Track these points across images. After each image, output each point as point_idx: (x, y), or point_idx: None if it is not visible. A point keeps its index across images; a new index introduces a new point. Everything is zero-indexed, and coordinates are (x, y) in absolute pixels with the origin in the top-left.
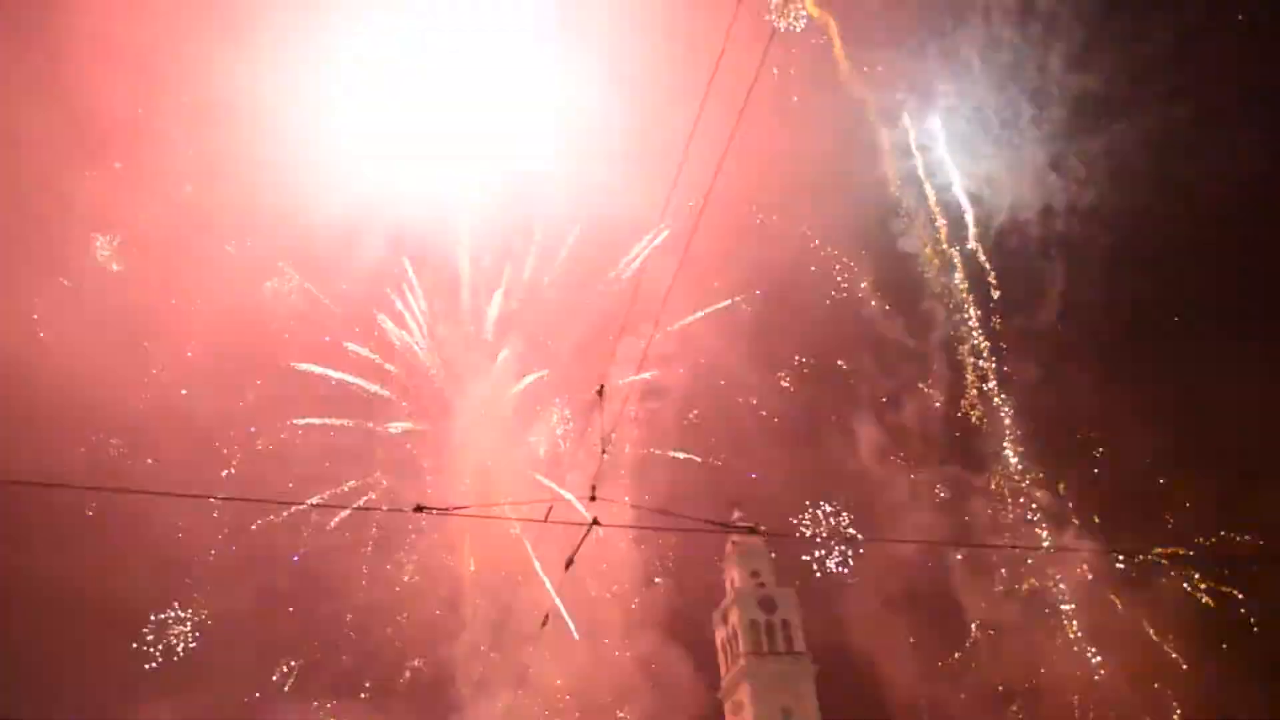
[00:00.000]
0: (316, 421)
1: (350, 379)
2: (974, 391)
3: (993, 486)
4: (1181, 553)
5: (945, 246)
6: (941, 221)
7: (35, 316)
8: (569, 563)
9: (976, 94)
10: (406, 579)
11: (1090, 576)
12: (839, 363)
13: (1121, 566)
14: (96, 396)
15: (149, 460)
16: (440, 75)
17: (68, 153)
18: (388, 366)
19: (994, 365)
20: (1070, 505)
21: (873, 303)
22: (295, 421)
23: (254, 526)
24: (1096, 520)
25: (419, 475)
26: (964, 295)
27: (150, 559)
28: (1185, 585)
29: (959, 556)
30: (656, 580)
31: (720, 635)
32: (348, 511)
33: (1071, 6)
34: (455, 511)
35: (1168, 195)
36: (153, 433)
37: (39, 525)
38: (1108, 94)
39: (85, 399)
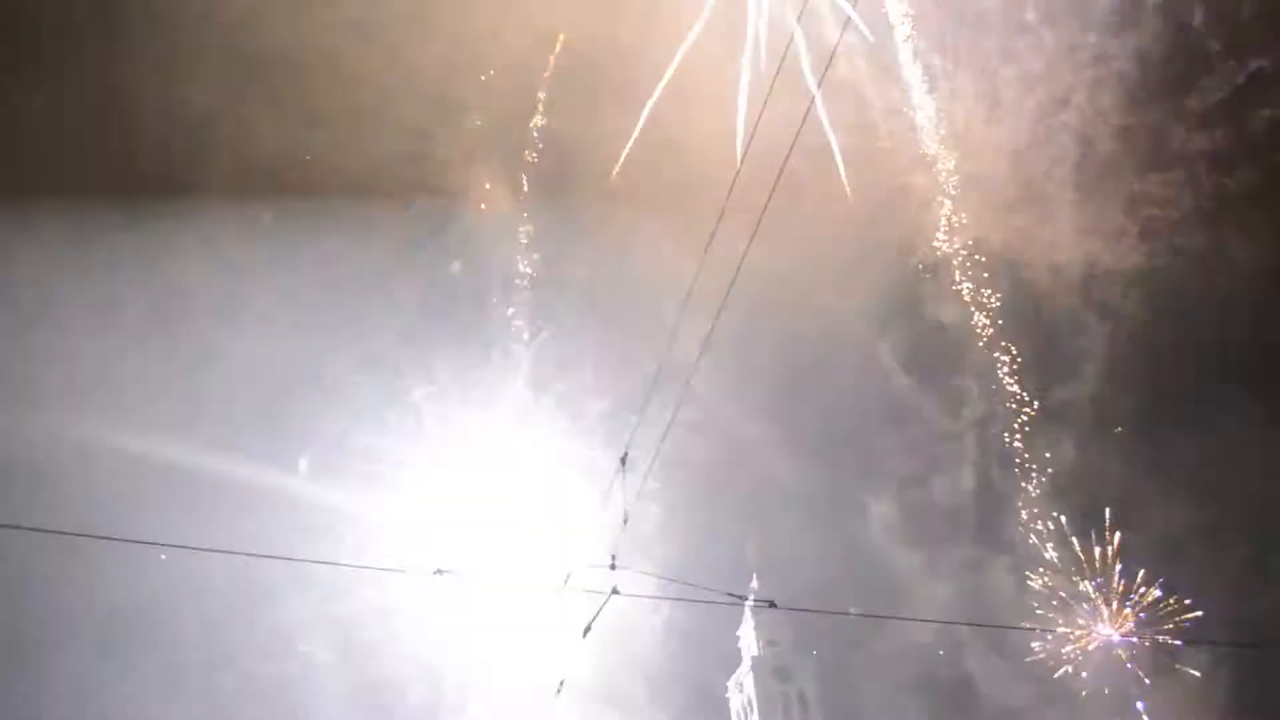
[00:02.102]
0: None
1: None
2: (1002, 469)
3: (1019, 567)
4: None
5: (978, 316)
6: (971, 286)
7: None
8: (586, 630)
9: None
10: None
11: (1111, 662)
12: (864, 435)
13: (1144, 652)
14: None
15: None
16: None
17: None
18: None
19: (1023, 443)
20: (1096, 588)
21: (899, 376)
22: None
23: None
24: (1121, 604)
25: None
26: (994, 368)
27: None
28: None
29: (972, 634)
30: (675, 647)
31: (735, 703)
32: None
33: (1116, 62)
34: (475, 576)
35: (1214, 261)
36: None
37: None
38: (1152, 153)
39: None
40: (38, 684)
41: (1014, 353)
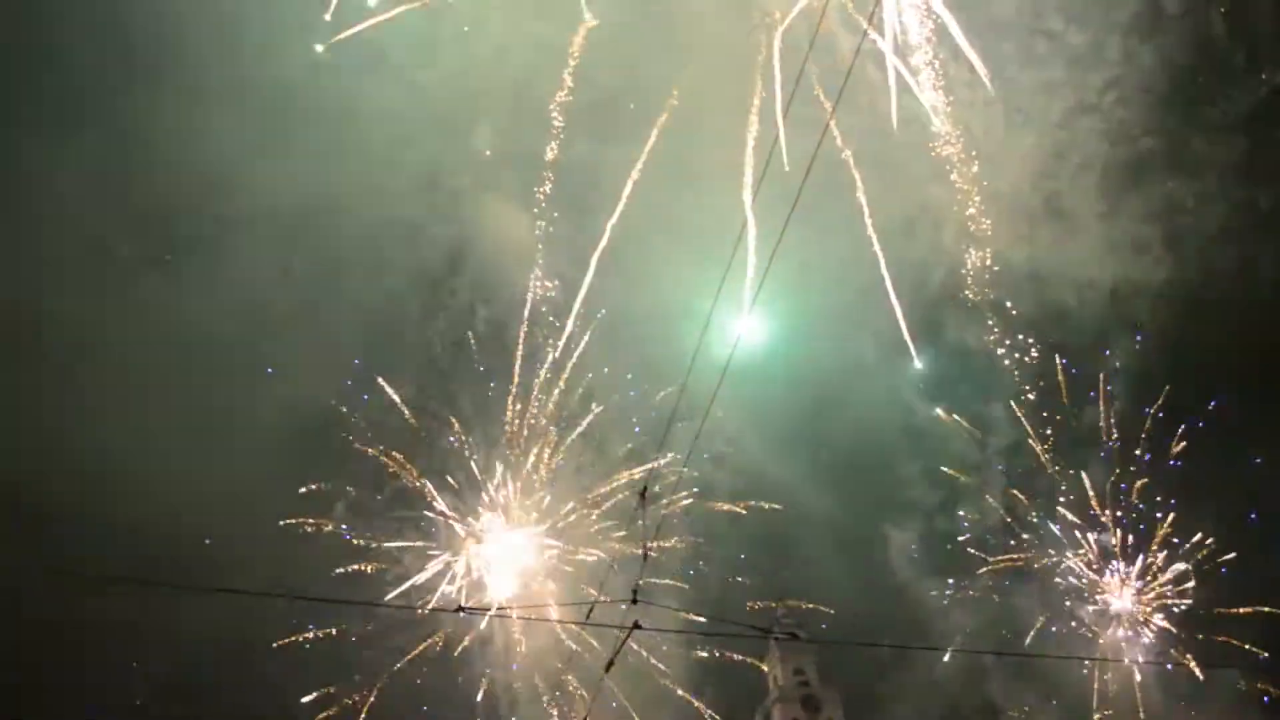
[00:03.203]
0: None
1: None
2: (1031, 496)
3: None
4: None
5: (1002, 335)
6: (994, 304)
7: None
8: (609, 665)
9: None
10: (452, 682)
11: (1142, 691)
12: (888, 465)
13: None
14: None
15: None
16: None
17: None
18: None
19: (1051, 466)
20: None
21: (922, 405)
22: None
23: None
24: (1151, 633)
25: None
26: (1021, 392)
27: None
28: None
29: (997, 664)
30: (699, 679)
31: None
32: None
33: (1135, 71)
34: (496, 612)
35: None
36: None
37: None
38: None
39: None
40: None
41: (1040, 372)
